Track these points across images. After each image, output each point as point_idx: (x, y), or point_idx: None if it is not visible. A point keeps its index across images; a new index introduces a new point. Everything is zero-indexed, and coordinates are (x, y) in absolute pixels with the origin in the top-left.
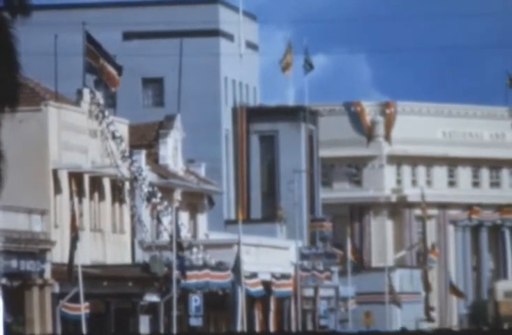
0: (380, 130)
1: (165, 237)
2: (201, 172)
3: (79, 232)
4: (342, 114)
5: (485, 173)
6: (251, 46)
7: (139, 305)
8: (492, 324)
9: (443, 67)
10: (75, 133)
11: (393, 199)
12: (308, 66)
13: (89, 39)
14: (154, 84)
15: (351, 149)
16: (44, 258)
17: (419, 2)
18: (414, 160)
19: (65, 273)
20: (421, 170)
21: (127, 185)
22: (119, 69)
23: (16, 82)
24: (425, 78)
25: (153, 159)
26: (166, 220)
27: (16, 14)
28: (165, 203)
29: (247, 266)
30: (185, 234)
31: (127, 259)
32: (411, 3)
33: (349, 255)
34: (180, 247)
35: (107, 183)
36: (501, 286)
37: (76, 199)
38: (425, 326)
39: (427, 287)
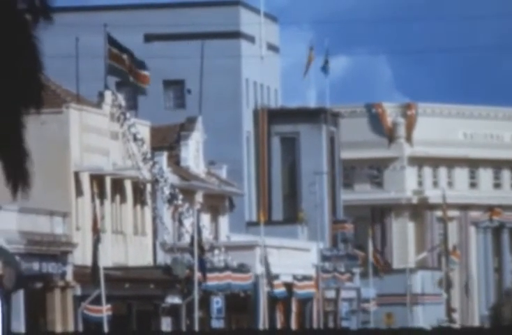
0: (401, 131)
1: (187, 239)
2: (223, 173)
3: (100, 234)
4: (363, 116)
5: (506, 174)
6: (272, 48)
7: (161, 307)
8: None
9: (465, 68)
10: (97, 135)
11: (415, 200)
12: (324, 71)
13: (111, 41)
14: (175, 86)
15: (372, 151)
16: (65, 260)
17: (441, 4)
18: (435, 162)
19: (87, 275)
20: (442, 172)
21: (148, 187)
22: (144, 67)
23: (39, 83)
24: (447, 79)
25: (175, 161)
26: (187, 222)
27: (38, 16)
28: (187, 205)
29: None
30: (207, 236)
31: (148, 262)
32: (433, 5)
33: (371, 257)
34: (201, 249)
35: (128, 186)
36: None
37: (98, 202)
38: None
39: (448, 286)
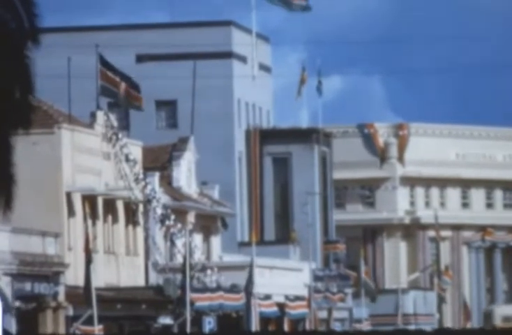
0: (393, 151)
1: (179, 259)
2: (215, 194)
3: (92, 254)
4: (355, 136)
5: (498, 194)
6: (264, 68)
7: (153, 327)
8: None
9: (456, 88)
10: (89, 156)
11: (407, 220)
12: (318, 91)
13: (102, 61)
14: (167, 107)
15: (364, 171)
16: (57, 281)
17: (432, 24)
18: (428, 182)
19: (79, 295)
20: (435, 192)
21: (140, 207)
22: (137, 88)
23: (28, 103)
24: (439, 99)
25: (167, 181)
26: (179, 243)
27: (26, 37)
28: (179, 225)
29: (260, 288)
30: (199, 256)
31: (140, 282)
32: (424, 25)
33: (363, 277)
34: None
35: (120, 206)
36: (500, 311)
37: (90, 222)
38: None
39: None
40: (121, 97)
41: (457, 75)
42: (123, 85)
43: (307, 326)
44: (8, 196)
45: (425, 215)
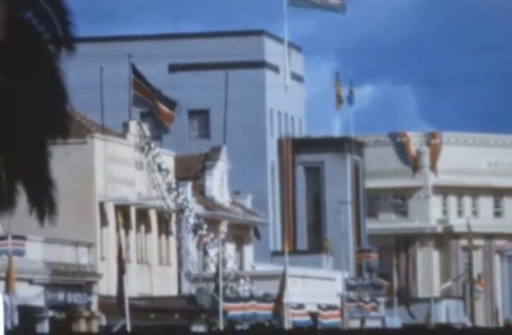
0: (426, 160)
1: (211, 269)
2: (247, 203)
3: (125, 264)
4: (387, 145)
5: None
6: (296, 77)
7: None
8: None
9: (489, 97)
10: (121, 165)
11: (439, 229)
12: (349, 101)
13: (135, 71)
14: (200, 116)
15: (396, 180)
16: (90, 290)
17: (465, 33)
18: (460, 191)
19: (112, 305)
20: (467, 200)
21: (173, 217)
22: (172, 104)
23: (65, 112)
24: (471, 108)
25: (199, 191)
26: (212, 252)
27: (61, 47)
28: (211, 235)
29: (293, 298)
30: (232, 265)
31: (173, 291)
32: (456, 34)
33: (396, 286)
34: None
35: (153, 216)
36: None
37: (122, 232)
38: None
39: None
40: (152, 108)
41: (490, 84)
42: (154, 100)
43: None
44: (50, 200)
45: (457, 224)
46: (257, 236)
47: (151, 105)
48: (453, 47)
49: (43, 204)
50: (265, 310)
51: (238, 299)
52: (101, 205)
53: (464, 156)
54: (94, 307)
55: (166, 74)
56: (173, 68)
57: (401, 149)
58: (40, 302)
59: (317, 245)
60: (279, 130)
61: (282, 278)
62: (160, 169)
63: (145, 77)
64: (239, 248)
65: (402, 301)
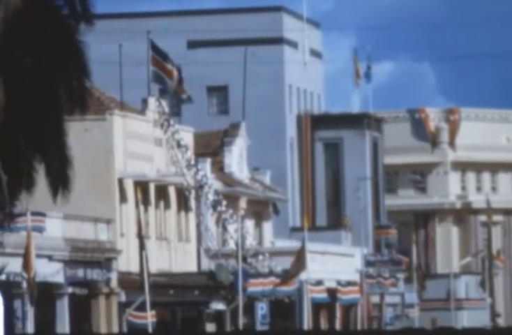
0: (444, 136)
1: (231, 245)
2: (267, 179)
3: (145, 240)
4: (406, 121)
5: None
6: (315, 53)
7: (205, 313)
8: None
9: (508, 73)
10: (140, 142)
11: (458, 205)
12: (367, 77)
13: (154, 48)
14: (219, 92)
15: (415, 156)
16: (110, 267)
17: (485, 9)
18: (479, 167)
19: (132, 281)
20: (486, 176)
21: (192, 193)
22: (181, 80)
23: (84, 87)
24: (490, 84)
25: (218, 167)
26: (231, 228)
27: (80, 21)
28: (231, 211)
29: (312, 274)
30: (251, 242)
31: (192, 268)
32: (477, 10)
33: (415, 262)
34: (243, 258)
35: (172, 192)
36: None
37: (142, 208)
38: None
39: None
40: (171, 85)
41: (509, 60)
42: (175, 74)
43: (359, 312)
44: (66, 177)
45: (476, 200)
46: (275, 213)
47: (168, 81)
48: (473, 23)
49: (57, 181)
50: (284, 286)
51: (257, 275)
52: (120, 181)
53: (483, 132)
54: (113, 283)
55: (185, 50)
56: (192, 45)
57: (420, 125)
58: (60, 279)
59: (336, 221)
60: (298, 106)
61: (298, 254)
62: (179, 145)
63: (165, 53)
64: (258, 224)
65: (417, 276)
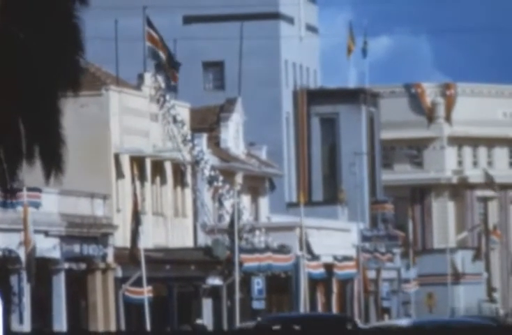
0: (441, 111)
1: (227, 220)
2: (263, 154)
3: (141, 216)
4: (402, 96)
5: None
6: (311, 29)
7: (202, 288)
8: None
9: (505, 47)
10: (136, 117)
11: (454, 180)
12: (363, 52)
13: (149, 23)
14: (215, 68)
15: (411, 131)
16: (106, 242)
17: None
18: (475, 141)
19: (128, 257)
20: (482, 151)
21: (189, 169)
22: (176, 65)
23: (78, 65)
24: (487, 59)
25: (215, 142)
26: (228, 204)
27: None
28: (227, 186)
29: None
30: (247, 217)
31: (189, 243)
32: None
33: (411, 237)
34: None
35: (168, 167)
36: None
37: (138, 184)
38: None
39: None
40: (164, 63)
41: (506, 35)
42: (166, 53)
43: (356, 287)
44: (58, 158)
45: (472, 174)
46: (272, 187)
47: (163, 58)
48: None
49: (50, 161)
50: (280, 261)
51: (253, 250)
52: (116, 157)
53: (480, 107)
54: (110, 259)
55: (180, 26)
56: (187, 20)
57: (416, 100)
58: (56, 254)
59: (332, 196)
60: (294, 81)
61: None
62: (175, 121)
63: (157, 30)
64: (254, 200)
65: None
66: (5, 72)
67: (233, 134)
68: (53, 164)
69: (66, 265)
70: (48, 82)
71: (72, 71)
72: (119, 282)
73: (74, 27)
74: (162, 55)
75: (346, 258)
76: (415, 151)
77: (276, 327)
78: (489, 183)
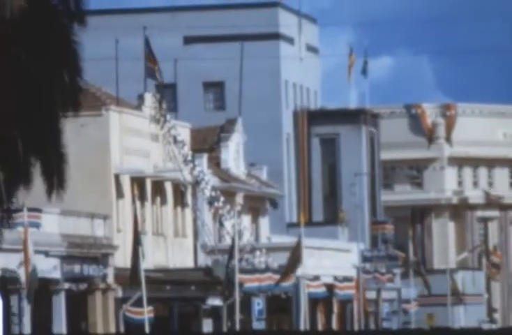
0: (441, 132)
1: (227, 241)
2: (263, 175)
3: (141, 236)
4: (403, 117)
5: None
6: (311, 49)
7: (202, 309)
8: None
9: (505, 68)
10: (137, 138)
11: (455, 201)
12: (363, 73)
13: (147, 44)
14: (215, 88)
15: (412, 151)
16: (106, 263)
17: (481, 4)
18: (475, 162)
19: (128, 277)
20: (482, 172)
21: (189, 189)
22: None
23: (77, 85)
24: (487, 79)
25: (215, 163)
26: (228, 224)
27: (73, 20)
28: (227, 207)
29: (309, 269)
30: (248, 237)
31: (189, 263)
32: (474, 5)
33: (411, 258)
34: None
35: (169, 188)
36: None
37: (138, 204)
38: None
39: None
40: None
41: (506, 55)
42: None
43: (356, 307)
44: (60, 176)
45: (473, 195)
46: (274, 206)
47: (160, 79)
48: (470, 18)
49: (52, 179)
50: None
51: (254, 270)
52: (117, 177)
53: (480, 127)
54: (110, 279)
55: (181, 46)
56: (188, 40)
57: (416, 120)
58: (57, 274)
59: (333, 216)
60: (294, 101)
61: (294, 249)
62: (175, 141)
63: (153, 52)
64: (255, 220)
65: (418, 273)
66: (5, 93)
67: (233, 154)
68: (55, 182)
69: (66, 285)
70: (48, 102)
71: (71, 91)
72: (119, 302)
73: (73, 51)
74: (159, 77)
75: (346, 279)
76: (415, 171)
77: None
78: (494, 200)
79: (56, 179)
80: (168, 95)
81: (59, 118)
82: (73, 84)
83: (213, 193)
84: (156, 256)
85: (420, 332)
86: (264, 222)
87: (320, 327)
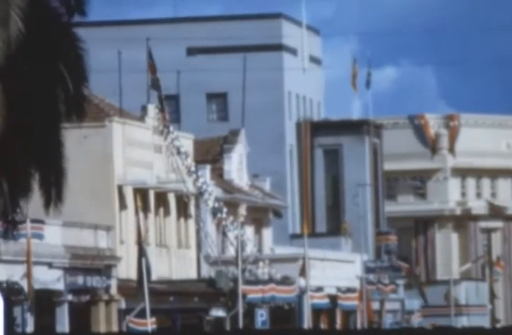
0: (444, 142)
1: (231, 252)
2: (266, 186)
3: (144, 247)
4: (406, 127)
5: None
6: (314, 60)
7: (206, 320)
8: None
9: (509, 79)
10: (140, 149)
11: (458, 211)
12: (367, 84)
13: (150, 56)
14: (218, 99)
15: (415, 162)
16: (110, 274)
17: (485, 14)
18: (479, 173)
19: (132, 288)
20: (486, 182)
21: (192, 200)
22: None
23: (82, 94)
24: (490, 90)
25: (218, 174)
26: (231, 235)
27: (73, 13)
28: (231, 218)
29: (312, 280)
30: (251, 248)
31: (192, 275)
32: (477, 16)
33: (415, 268)
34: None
35: (172, 199)
36: None
37: (141, 215)
38: None
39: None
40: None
41: (509, 66)
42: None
43: (359, 318)
44: (58, 189)
45: (476, 206)
46: (278, 216)
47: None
48: (474, 29)
49: (50, 192)
50: (284, 292)
51: (257, 281)
52: (120, 188)
53: (483, 138)
54: (113, 290)
55: (184, 57)
56: (191, 51)
57: (419, 131)
58: (60, 286)
59: (336, 227)
60: (297, 113)
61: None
62: (178, 152)
63: (154, 63)
64: (258, 231)
65: (415, 284)
66: (11, 101)
67: (236, 165)
68: (53, 195)
69: (70, 297)
70: (53, 112)
71: (77, 101)
72: (123, 313)
73: (79, 58)
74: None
75: (349, 290)
76: (418, 182)
77: None
78: (498, 211)
79: (53, 193)
80: (171, 107)
81: (62, 130)
82: (78, 92)
83: (216, 204)
84: (159, 267)
85: (423, 331)
86: (267, 233)
87: None
